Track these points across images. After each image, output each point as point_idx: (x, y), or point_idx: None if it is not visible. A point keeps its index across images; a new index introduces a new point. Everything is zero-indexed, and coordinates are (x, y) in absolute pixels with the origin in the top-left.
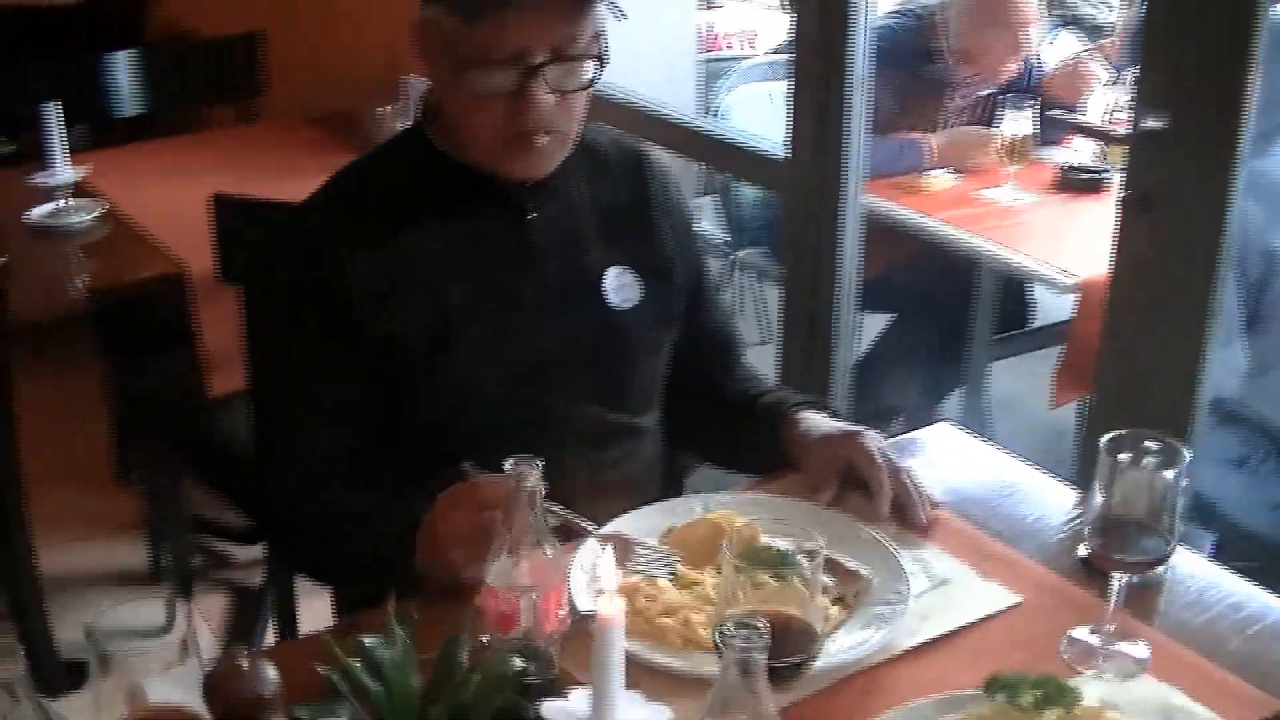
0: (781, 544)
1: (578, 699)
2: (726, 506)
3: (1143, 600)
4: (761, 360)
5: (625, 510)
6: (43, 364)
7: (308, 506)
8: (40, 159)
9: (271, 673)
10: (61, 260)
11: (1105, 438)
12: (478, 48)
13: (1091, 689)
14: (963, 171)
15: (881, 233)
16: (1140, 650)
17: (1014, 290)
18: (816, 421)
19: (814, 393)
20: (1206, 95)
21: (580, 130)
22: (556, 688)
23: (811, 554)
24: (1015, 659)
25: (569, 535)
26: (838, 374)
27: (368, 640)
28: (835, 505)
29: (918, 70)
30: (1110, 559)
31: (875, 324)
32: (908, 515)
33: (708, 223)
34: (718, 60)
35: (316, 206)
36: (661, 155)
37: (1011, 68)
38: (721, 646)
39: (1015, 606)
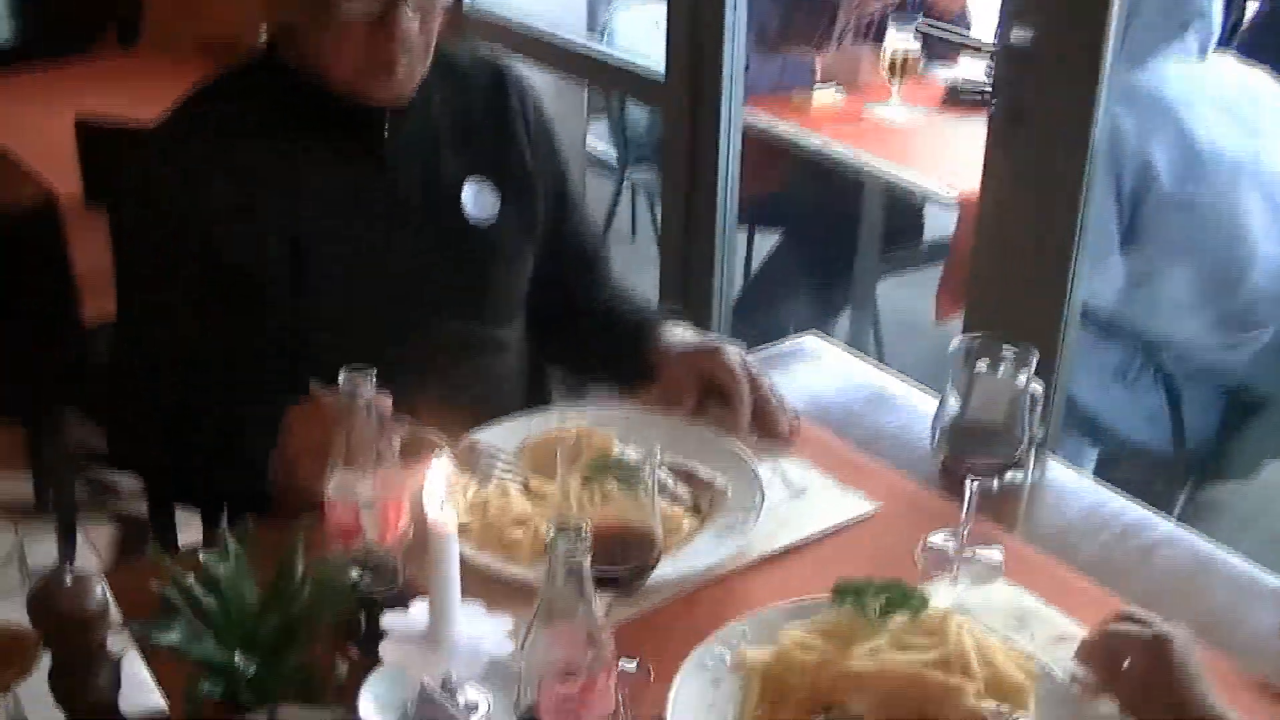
0: (634, 455)
1: (419, 611)
2: (584, 419)
3: (1003, 508)
4: (649, 279)
5: (481, 423)
6: None
7: (163, 431)
8: None
9: (99, 589)
10: None
11: (956, 341)
12: None
13: (944, 594)
14: (850, 89)
15: (772, 151)
16: (994, 555)
17: (906, 208)
18: (679, 334)
19: (695, 309)
20: (1073, 7)
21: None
22: (402, 599)
23: (648, 459)
24: (870, 566)
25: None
26: (717, 291)
27: (202, 555)
28: (696, 417)
29: None
30: (962, 462)
31: (769, 244)
32: (768, 426)
33: (599, 141)
34: None
35: (166, 130)
36: (522, 69)
37: None
38: (547, 552)
39: (873, 514)
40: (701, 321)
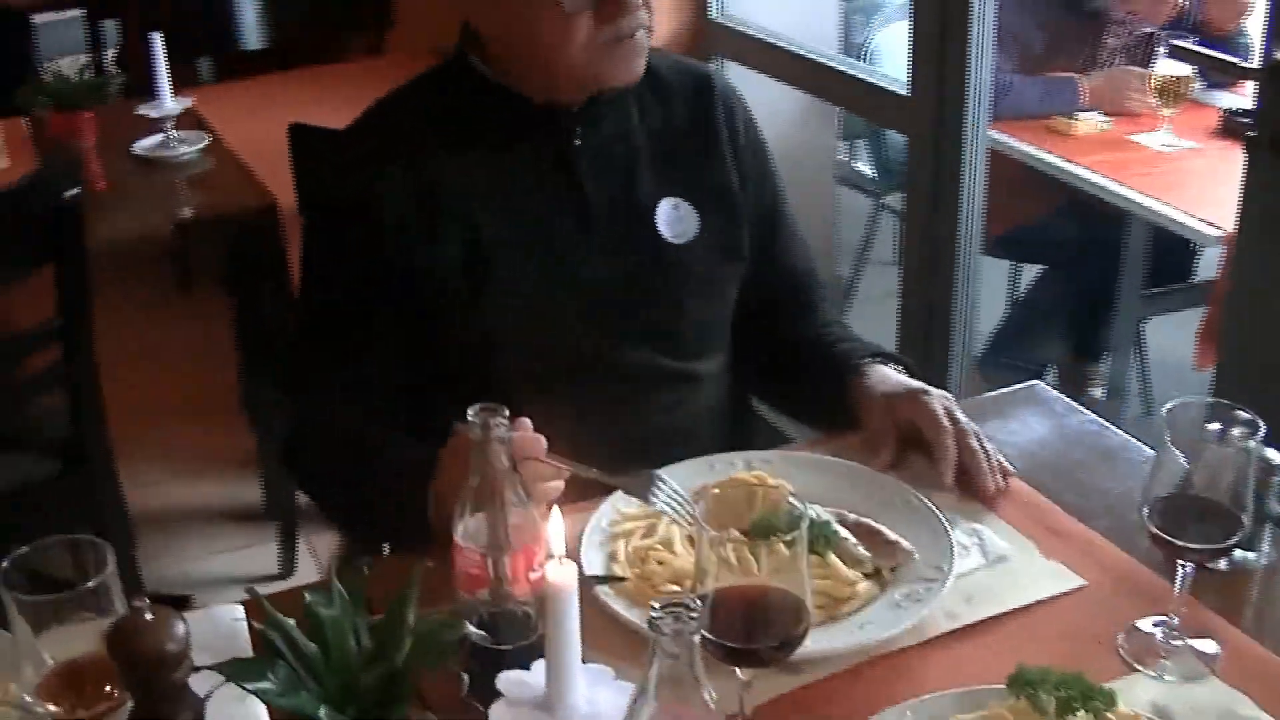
0: (815, 510)
1: (538, 671)
2: (768, 465)
3: (1228, 594)
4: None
5: (665, 463)
6: (184, 298)
7: (319, 437)
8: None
9: (180, 628)
10: (160, 190)
11: (1169, 404)
12: None
13: (1144, 691)
14: (1117, 115)
15: (1032, 179)
16: (1209, 648)
17: (1175, 244)
18: (883, 376)
19: (934, 339)
20: None
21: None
22: (534, 653)
23: (797, 520)
24: (1064, 652)
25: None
26: (957, 319)
27: (307, 596)
28: (896, 469)
29: (1073, 6)
30: (1171, 542)
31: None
32: (973, 482)
33: (861, 165)
34: None
35: (353, 132)
36: (729, 81)
37: (1172, 3)
38: (650, 631)
39: (1077, 590)
40: (941, 354)
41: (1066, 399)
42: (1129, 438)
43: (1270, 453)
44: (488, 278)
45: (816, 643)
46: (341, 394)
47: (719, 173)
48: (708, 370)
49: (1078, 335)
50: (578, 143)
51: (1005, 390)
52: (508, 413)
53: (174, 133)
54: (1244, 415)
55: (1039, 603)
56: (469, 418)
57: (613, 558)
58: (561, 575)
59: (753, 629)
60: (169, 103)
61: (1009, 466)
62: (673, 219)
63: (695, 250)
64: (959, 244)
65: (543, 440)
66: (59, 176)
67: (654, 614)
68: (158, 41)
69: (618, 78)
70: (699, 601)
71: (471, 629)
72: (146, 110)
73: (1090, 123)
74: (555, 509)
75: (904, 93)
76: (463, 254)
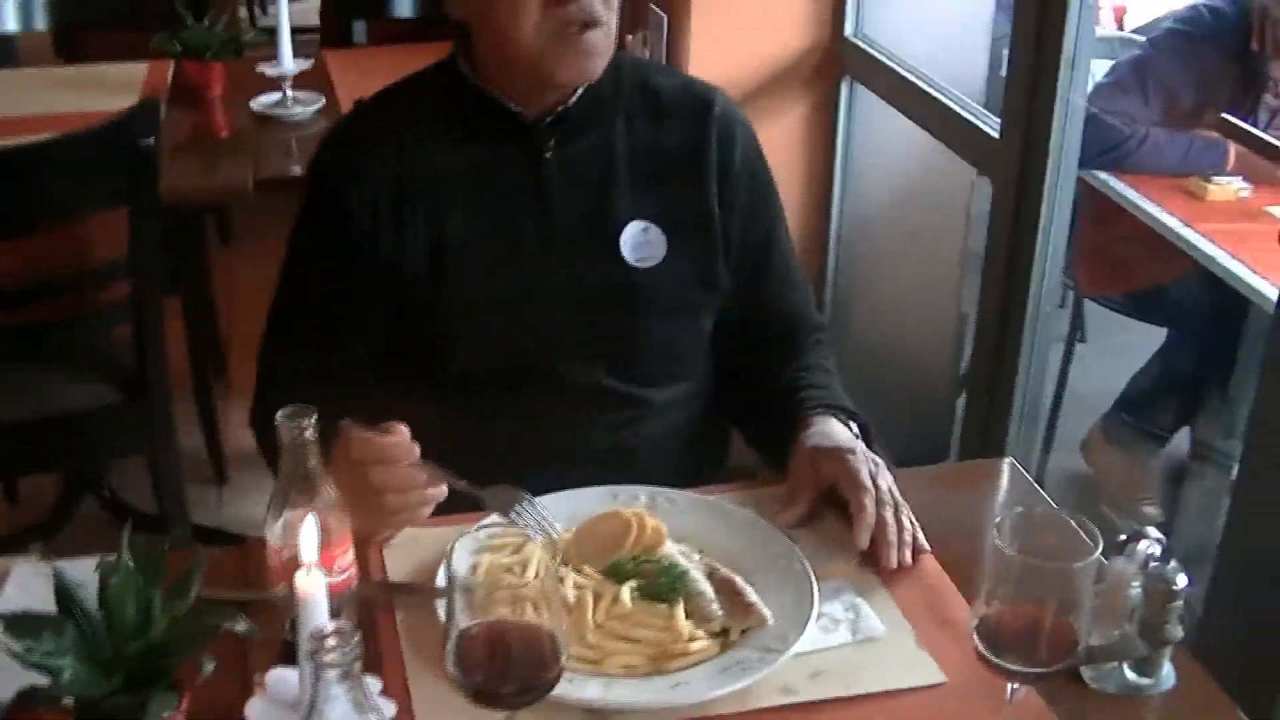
0: (686, 558)
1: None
2: (671, 504)
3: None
4: None
5: (603, 482)
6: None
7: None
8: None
9: None
10: (272, 144)
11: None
12: None
13: None
14: (1260, 183)
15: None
16: None
17: None
18: (823, 430)
19: (1001, 388)
20: None
21: (616, 27)
22: None
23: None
24: None
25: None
26: (1022, 373)
27: (100, 561)
28: (810, 526)
29: (1230, 59)
30: (987, 659)
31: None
32: (879, 553)
33: None
34: None
35: (344, 123)
36: (737, 109)
37: None
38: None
39: (933, 687)
40: (1003, 409)
41: (1032, 481)
42: (1079, 530)
43: (1171, 570)
44: (447, 276)
45: (624, 693)
46: (303, 373)
47: (700, 200)
48: (664, 397)
49: (1204, 405)
50: (548, 155)
51: (971, 463)
52: (316, 415)
53: (291, 93)
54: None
55: (887, 692)
56: (278, 419)
57: (474, 569)
58: (308, 584)
59: (506, 669)
60: (288, 63)
61: (924, 545)
62: (639, 242)
63: (660, 276)
64: (1030, 296)
65: (410, 447)
66: (137, 124)
67: (313, 639)
68: (283, 3)
69: (565, 73)
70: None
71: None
72: (265, 69)
73: (1227, 188)
74: (310, 516)
75: (994, 134)
76: (427, 250)
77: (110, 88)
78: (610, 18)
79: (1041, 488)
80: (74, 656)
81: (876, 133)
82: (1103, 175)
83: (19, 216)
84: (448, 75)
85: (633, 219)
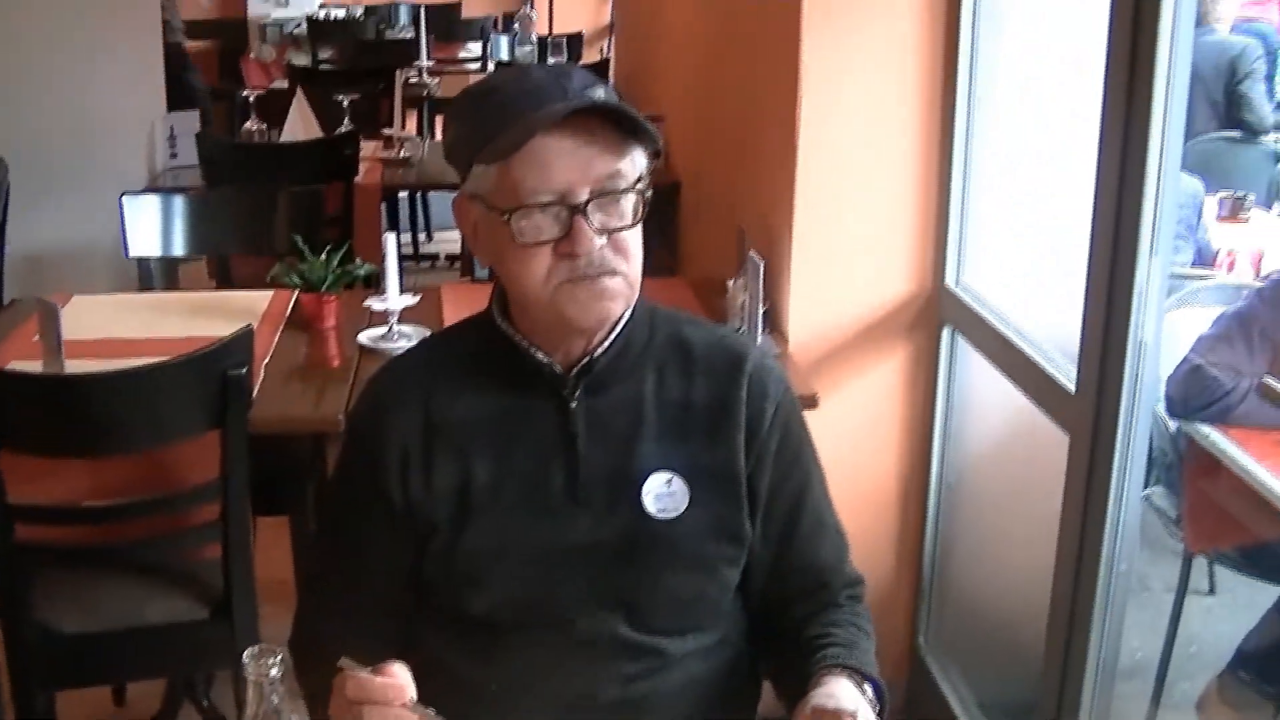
0: None
1: None
2: None
3: None
4: None
5: None
6: None
7: (304, 644)
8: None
9: None
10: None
11: None
12: (521, 193)
13: None
14: None
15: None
16: None
17: None
18: (832, 690)
19: (1074, 646)
20: None
21: (637, 276)
22: None
23: None
24: None
25: None
26: (1095, 635)
27: None
28: None
29: None
30: None
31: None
32: None
33: None
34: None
35: (389, 366)
36: (772, 364)
37: None
38: None
39: None
40: (1076, 674)
41: None
42: None
43: None
44: (469, 521)
45: None
46: (333, 605)
47: (726, 454)
48: (683, 648)
49: None
50: (574, 405)
51: None
52: (280, 655)
53: (398, 326)
54: None
55: None
56: (245, 659)
57: None
58: None
59: None
60: (394, 299)
61: None
62: (661, 494)
63: (680, 527)
64: (1103, 561)
65: (402, 689)
66: (230, 354)
67: None
68: (390, 241)
69: (578, 318)
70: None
71: None
72: (373, 303)
73: None
74: None
75: (1070, 388)
76: (454, 496)
77: (236, 314)
78: (626, 265)
79: None
80: None
81: (978, 383)
82: (1205, 429)
83: (115, 437)
84: (485, 324)
85: (657, 470)
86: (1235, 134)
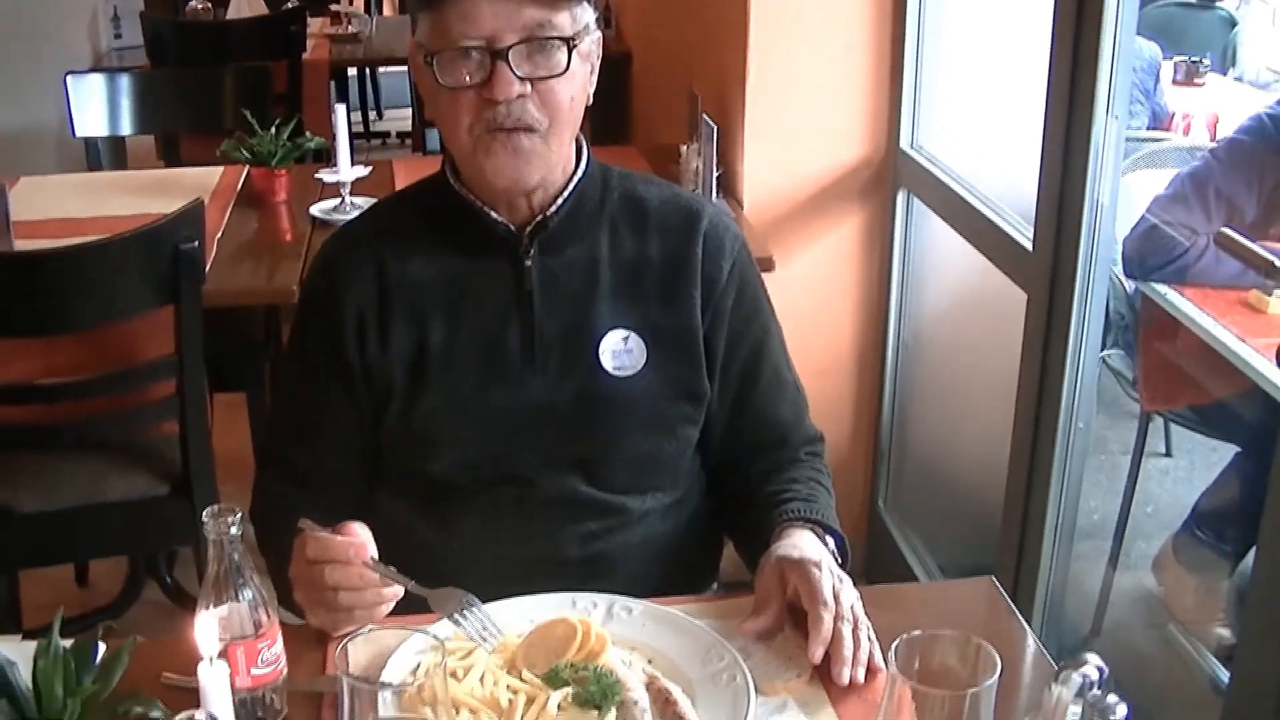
0: (628, 666)
1: None
2: (626, 614)
3: None
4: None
5: (580, 588)
6: None
7: (263, 507)
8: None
9: None
10: None
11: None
12: (447, 37)
13: None
14: None
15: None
16: None
17: None
18: (795, 542)
19: (1033, 502)
20: None
21: (572, 135)
22: None
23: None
24: None
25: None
26: (1055, 492)
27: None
28: (773, 635)
29: None
30: None
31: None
32: (832, 668)
33: None
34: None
35: (343, 230)
36: (727, 221)
37: None
38: None
39: None
40: (1036, 531)
41: (1010, 603)
42: (1047, 655)
43: (1110, 699)
44: (426, 383)
45: None
46: (293, 471)
47: (683, 312)
48: (644, 506)
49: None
50: (528, 264)
51: (953, 581)
52: (240, 514)
53: (350, 198)
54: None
55: None
56: (204, 517)
57: (416, 669)
58: (208, 675)
59: None
60: (345, 171)
61: (880, 664)
62: (618, 351)
63: (638, 385)
64: (1061, 420)
65: (362, 547)
66: (180, 228)
67: None
68: (341, 112)
69: (493, 175)
70: None
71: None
72: (324, 175)
73: None
74: (207, 612)
75: (1028, 247)
76: (410, 357)
77: (187, 191)
78: (547, 123)
79: (1106, 605)
80: None
81: (934, 244)
82: (1161, 289)
83: (68, 315)
84: (438, 184)
85: (613, 328)
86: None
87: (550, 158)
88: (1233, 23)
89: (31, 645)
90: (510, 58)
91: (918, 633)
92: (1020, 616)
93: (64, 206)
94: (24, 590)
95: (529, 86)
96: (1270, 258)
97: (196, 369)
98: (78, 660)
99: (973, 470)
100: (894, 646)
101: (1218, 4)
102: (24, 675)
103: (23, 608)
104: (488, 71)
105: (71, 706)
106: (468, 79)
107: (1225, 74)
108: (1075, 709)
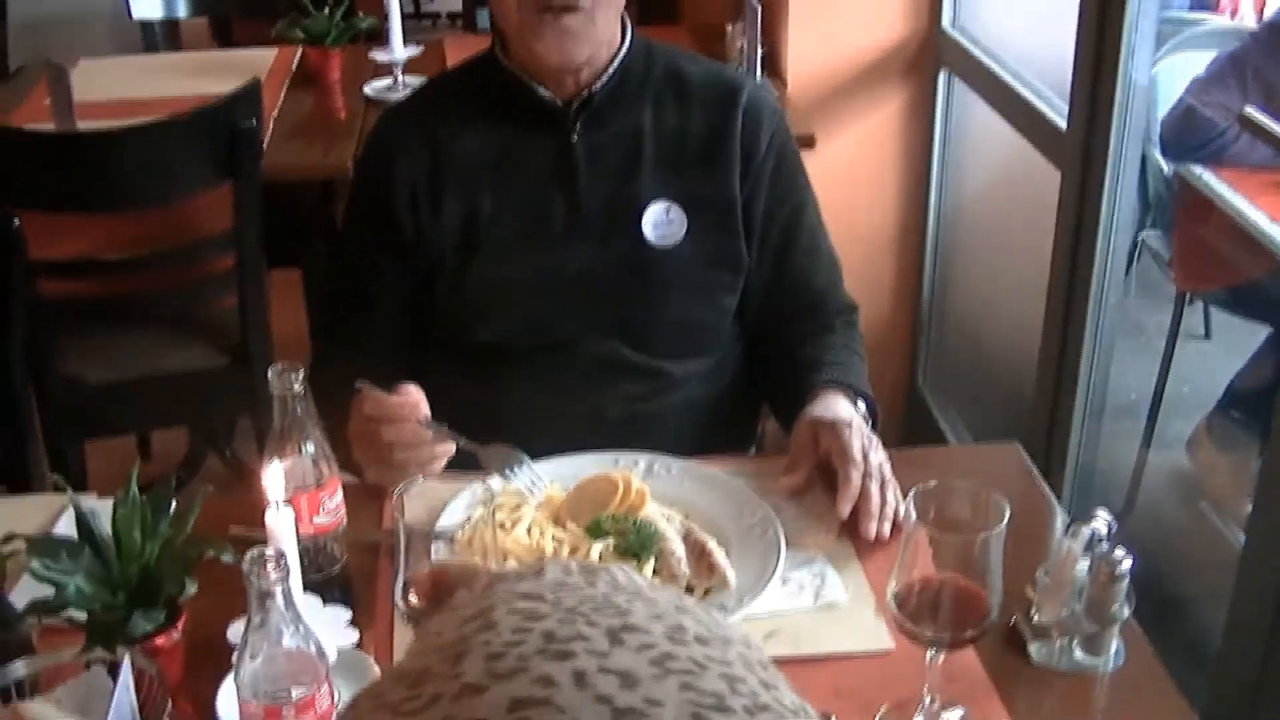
0: (666, 519)
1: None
2: (667, 471)
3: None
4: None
5: (623, 447)
6: None
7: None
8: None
9: None
10: None
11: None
12: None
13: None
14: None
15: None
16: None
17: None
18: (826, 403)
19: (1064, 382)
20: None
21: (617, 13)
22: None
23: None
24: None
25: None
26: (1085, 368)
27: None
28: (805, 492)
29: None
30: (904, 626)
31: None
32: (860, 524)
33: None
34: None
35: (395, 108)
36: (766, 96)
37: None
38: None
39: (883, 654)
40: (1067, 403)
41: (1035, 470)
42: (1063, 514)
43: (1118, 554)
44: (476, 253)
45: None
46: (348, 340)
47: (722, 184)
48: (684, 371)
49: None
50: (575, 138)
51: (981, 445)
52: (302, 371)
53: (403, 77)
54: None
55: (834, 656)
56: (270, 374)
57: (467, 520)
58: (276, 520)
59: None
60: (398, 50)
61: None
62: (660, 222)
63: (679, 255)
64: (1092, 296)
65: (416, 406)
66: (239, 107)
67: (247, 562)
68: None
69: (545, 53)
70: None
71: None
72: (377, 54)
73: None
74: (276, 462)
75: (1062, 124)
76: (460, 228)
77: (242, 72)
78: (594, 3)
79: (1139, 482)
80: (84, 575)
81: (974, 124)
82: (1198, 170)
83: (130, 192)
84: (488, 63)
85: (655, 199)
86: None
87: (596, 35)
88: None
89: (106, 503)
90: None
91: (934, 483)
92: (1040, 478)
93: (123, 88)
94: (90, 463)
95: None
96: None
97: (254, 244)
98: (154, 508)
99: (1008, 346)
100: (911, 495)
101: None
102: (105, 524)
103: (89, 480)
104: None
105: (150, 549)
106: None
107: None
108: (1084, 562)
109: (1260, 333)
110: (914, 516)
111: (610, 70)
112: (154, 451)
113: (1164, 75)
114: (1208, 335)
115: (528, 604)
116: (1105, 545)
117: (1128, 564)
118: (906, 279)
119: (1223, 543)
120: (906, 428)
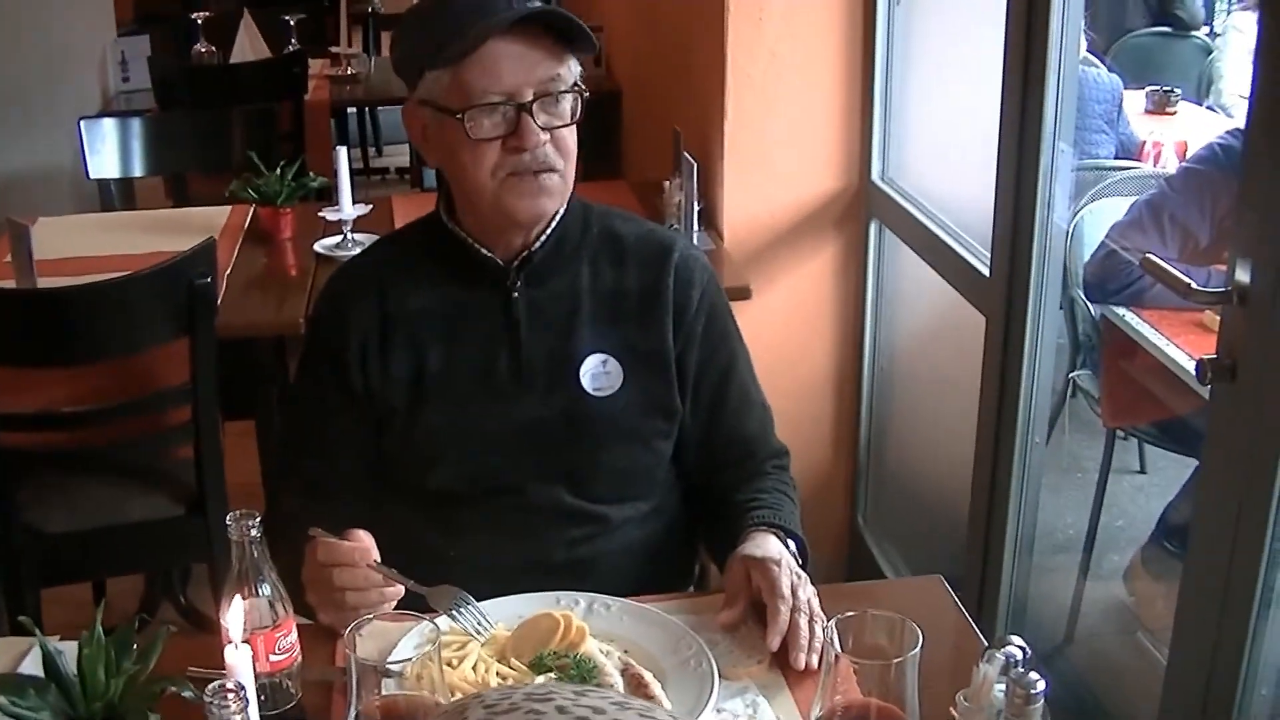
0: (604, 654)
1: None
2: (606, 610)
3: None
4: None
5: (567, 588)
6: None
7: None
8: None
9: None
10: None
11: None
12: (470, 95)
13: None
14: None
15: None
16: None
17: None
18: (759, 543)
19: (995, 519)
20: None
21: (572, 174)
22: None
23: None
24: None
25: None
26: (1014, 507)
27: (83, 633)
28: (738, 628)
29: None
30: None
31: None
32: (790, 655)
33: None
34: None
35: (349, 265)
36: (697, 253)
37: None
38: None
39: None
40: (998, 544)
41: (958, 603)
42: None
43: (1032, 676)
44: (425, 404)
45: None
46: (304, 485)
47: (656, 337)
48: (623, 514)
49: None
50: (515, 295)
51: (908, 579)
52: (258, 517)
53: (352, 235)
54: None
55: None
56: (228, 521)
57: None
58: (235, 658)
59: None
60: (347, 209)
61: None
62: (598, 373)
63: (616, 403)
64: (1019, 437)
65: (367, 551)
66: (195, 264)
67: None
68: (342, 154)
69: (519, 210)
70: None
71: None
72: (328, 213)
73: None
74: (237, 601)
75: (985, 273)
76: (409, 380)
77: (197, 229)
78: (564, 164)
79: (1078, 614)
80: (50, 712)
81: (905, 272)
82: (1121, 311)
83: (90, 347)
84: (433, 224)
85: (593, 352)
86: (1167, 29)
87: (565, 192)
88: (1208, 51)
89: (68, 645)
90: (533, 110)
91: (850, 613)
92: (962, 608)
93: (82, 245)
94: (44, 613)
95: (548, 134)
96: (1187, 280)
97: (210, 395)
98: (118, 647)
99: (943, 485)
100: (832, 623)
101: (1193, 33)
102: (69, 664)
103: (45, 626)
104: (513, 124)
105: (114, 686)
106: (494, 131)
107: (1201, 103)
108: (1000, 686)
109: (1191, 465)
110: (836, 645)
111: (550, 230)
112: (109, 598)
113: (1089, 221)
114: (1143, 469)
115: None
116: (1020, 669)
117: (1041, 686)
118: (844, 422)
119: (1159, 671)
120: (849, 565)
